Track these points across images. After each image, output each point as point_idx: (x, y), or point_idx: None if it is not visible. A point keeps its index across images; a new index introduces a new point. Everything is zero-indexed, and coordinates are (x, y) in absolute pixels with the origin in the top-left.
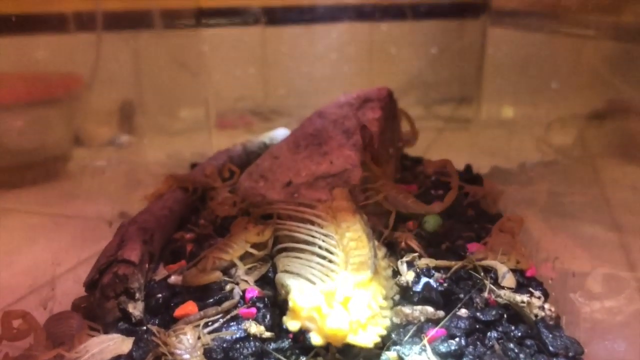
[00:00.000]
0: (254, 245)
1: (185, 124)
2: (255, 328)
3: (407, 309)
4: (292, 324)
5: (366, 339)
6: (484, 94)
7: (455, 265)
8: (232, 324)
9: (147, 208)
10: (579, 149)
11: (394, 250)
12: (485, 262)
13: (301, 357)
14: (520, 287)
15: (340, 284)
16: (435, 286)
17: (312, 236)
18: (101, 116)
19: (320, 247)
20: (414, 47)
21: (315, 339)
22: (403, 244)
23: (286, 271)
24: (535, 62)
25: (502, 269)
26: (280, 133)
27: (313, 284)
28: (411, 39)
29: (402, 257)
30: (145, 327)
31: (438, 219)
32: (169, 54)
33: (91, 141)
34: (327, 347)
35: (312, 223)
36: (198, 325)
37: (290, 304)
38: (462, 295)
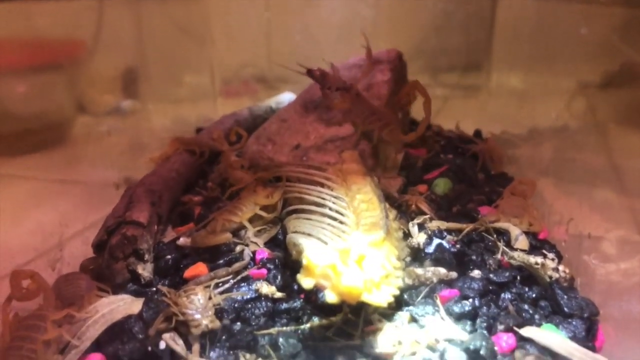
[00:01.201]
0: (263, 208)
1: (190, 90)
2: (266, 288)
3: (419, 270)
4: (306, 282)
5: (380, 298)
6: (493, 61)
7: (467, 227)
8: (242, 284)
9: (155, 170)
10: (589, 115)
11: (404, 212)
12: (497, 225)
13: (313, 317)
14: (533, 250)
15: (354, 243)
16: (447, 247)
17: (323, 198)
18: (104, 83)
19: (330, 209)
20: (420, 12)
21: (330, 297)
22: (413, 207)
23: (297, 232)
24: (546, 29)
25: (514, 231)
26: (287, 97)
27: (325, 244)
28: (418, 4)
29: (412, 220)
30: (154, 288)
31: (448, 182)
32: (173, 20)
33: (94, 108)
34: (339, 306)
35: (322, 185)
36: (209, 286)
37: (304, 261)
38: (474, 257)
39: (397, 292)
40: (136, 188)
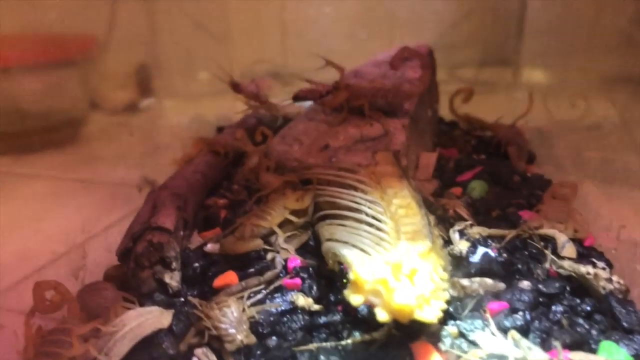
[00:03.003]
0: (293, 212)
1: (208, 87)
2: (303, 300)
3: (465, 281)
4: (355, 299)
5: (431, 314)
6: (522, 57)
7: (509, 234)
8: (276, 295)
9: (178, 172)
10: (624, 113)
11: (441, 218)
12: (542, 231)
13: (354, 332)
14: (580, 258)
15: (404, 255)
16: (494, 256)
17: (357, 203)
18: (117, 79)
19: (366, 215)
20: (440, 6)
21: (381, 315)
22: (451, 212)
23: (333, 240)
24: (578, 24)
25: (561, 238)
26: None
27: (368, 255)
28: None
29: (451, 226)
30: (182, 299)
31: (484, 184)
32: (189, 16)
33: (107, 105)
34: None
35: (355, 189)
36: (241, 297)
37: (352, 276)
38: (520, 266)
39: (446, 307)
40: (160, 191)
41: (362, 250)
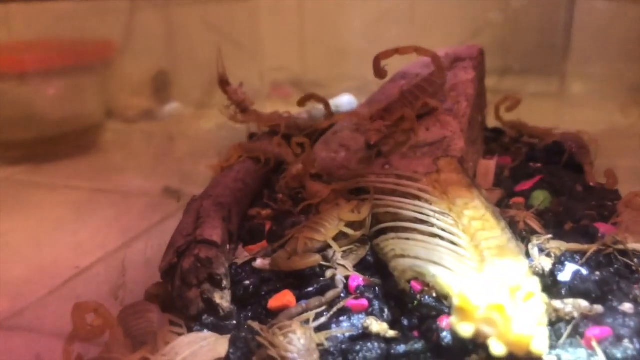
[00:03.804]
0: (348, 224)
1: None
2: (376, 325)
3: (557, 303)
4: (464, 328)
5: (542, 344)
6: (569, 66)
7: (590, 249)
8: (341, 318)
9: (219, 180)
10: None
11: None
12: (632, 246)
13: None
14: None
15: (509, 276)
16: (588, 275)
17: (424, 214)
18: (135, 85)
19: (437, 228)
20: (459, 19)
21: (497, 349)
22: (521, 224)
23: (407, 256)
24: (624, 33)
25: None
26: (345, 99)
27: (455, 274)
28: (457, 12)
29: (522, 239)
30: (235, 322)
31: (547, 194)
32: (208, 22)
33: (124, 112)
34: (469, 349)
35: (418, 199)
36: (306, 321)
37: (457, 301)
38: (616, 286)
39: (547, 333)
40: (202, 201)
41: (447, 268)
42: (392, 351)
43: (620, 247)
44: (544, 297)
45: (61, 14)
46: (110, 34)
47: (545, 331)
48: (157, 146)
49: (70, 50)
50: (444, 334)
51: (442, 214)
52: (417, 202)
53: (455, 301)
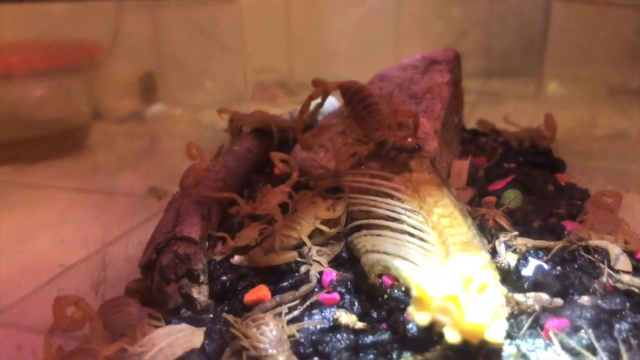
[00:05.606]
0: (324, 222)
1: (213, 97)
2: (346, 317)
3: (519, 296)
4: (420, 318)
5: (498, 333)
6: (545, 67)
7: (556, 245)
8: (313, 311)
9: (200, 180)
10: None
11: (480, 228)
12: (593, 242)
13: (404, 353)
14: (635, 271)
15: (466, 268)
16: (549, 270)
17: (395, 212)
18: (121, 87)
19: (407, 225)
20: (442, 18)
21: (451, 336)
22: (491, 222)
23: (376, 251)
24: (599, 35)
25: (614, 250)
26: (328, 101)
27: (419, 267)
28: (441, 15)
29: (491, 237)
30: (211, 315)
31: (519, 193)
32: (195, 24)
33: (111, 113)
34: (432, 340)
35: (391, 197)
36: (280, 314)
37: (415, 292)
38: (575, 280)
39: (507, 325)
40: (182, 199)
41: (413, 263)
42: (360, 342)
43: (583, 244)
44: (503, 290)
45: (48, 16)
46: (97, 35)
47: (502, 321)
48: (143, 147)
49: (57, 52)
50: (410, 325)
51: (413, 211)
52: (389, 201)
53: (414, 292)
